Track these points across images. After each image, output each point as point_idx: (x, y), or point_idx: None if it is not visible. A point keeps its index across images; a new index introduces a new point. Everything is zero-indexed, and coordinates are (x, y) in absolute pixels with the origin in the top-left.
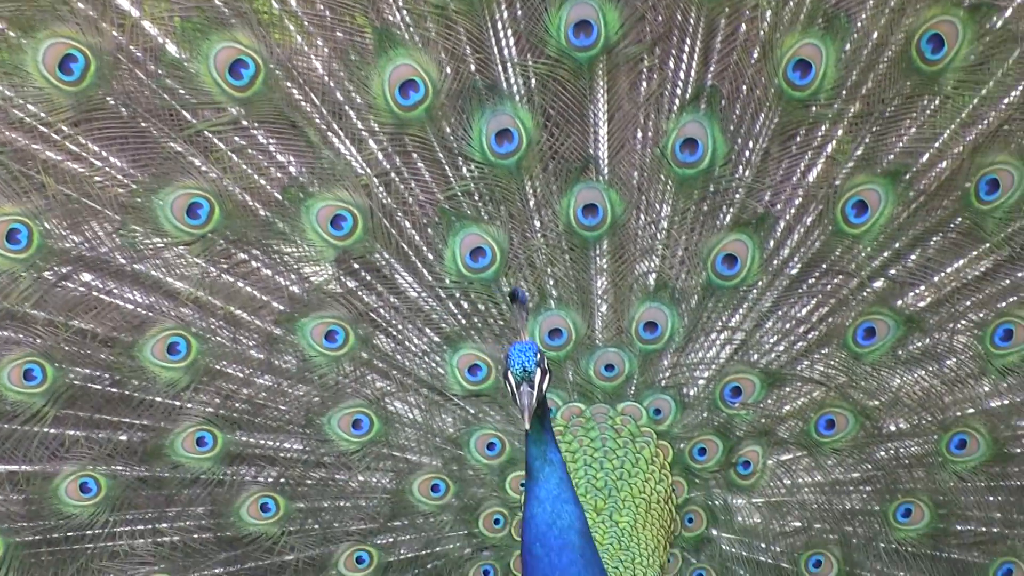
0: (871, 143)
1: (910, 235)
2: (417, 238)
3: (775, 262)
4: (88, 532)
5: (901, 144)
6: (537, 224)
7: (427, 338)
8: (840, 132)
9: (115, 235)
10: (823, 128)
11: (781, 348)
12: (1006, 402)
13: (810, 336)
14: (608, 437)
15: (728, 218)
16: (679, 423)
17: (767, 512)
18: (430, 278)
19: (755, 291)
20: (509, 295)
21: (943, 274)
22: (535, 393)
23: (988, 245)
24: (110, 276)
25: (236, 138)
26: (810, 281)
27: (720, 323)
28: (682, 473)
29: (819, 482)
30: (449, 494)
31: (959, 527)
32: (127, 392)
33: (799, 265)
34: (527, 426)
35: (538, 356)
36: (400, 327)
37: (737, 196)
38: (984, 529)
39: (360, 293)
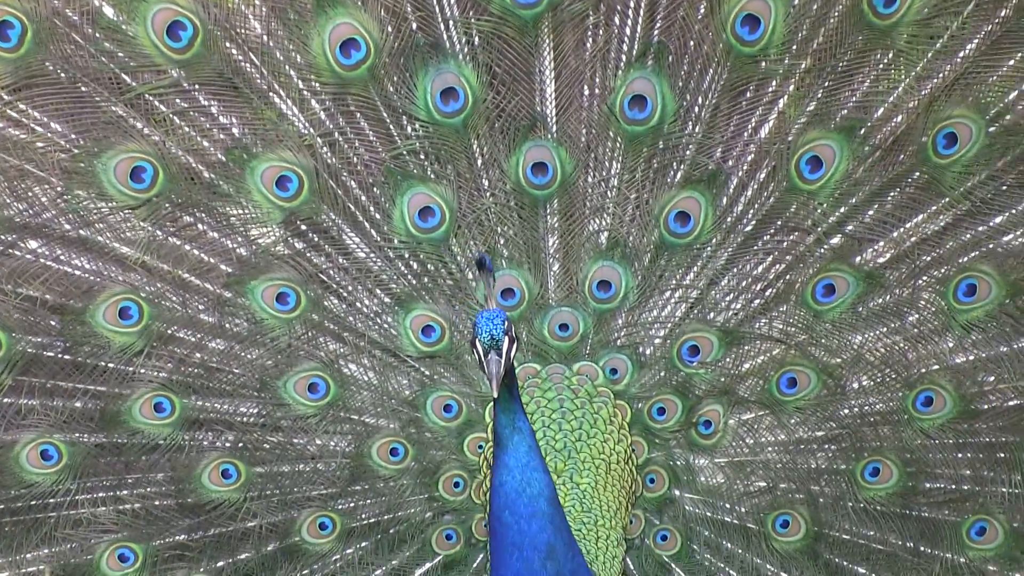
0: (824, 98)
1: (867, 191)
2: (364, 198)
3: (728, 219)
4: (51, 501)
5: (854, 99)
6: (486, 183)
7: (378, 299)
8: (792, 88)
9: (59, 201)
10: (773, 84)
11: (738, 306)
12: (971, 358)
13: (767, 293)
14: (565, 398)
15: (679, 175)
16: (636, 383)
17: (730, 472)
18: (378, 238)
19: (709, 248)
20: (476, 263)
21: (902, 229)
22: (503, 361)
23: (947, 200)
24: (56, 242)
25: (177, 101)
26: (765, 238)
27: (674, 281)
28: (642, 433)
29: (783, 441)
30: (408, 457)
31: (928, 485)
32: (80, 359)
33: (753, 222)
34: (495, 395)
35: (506, 324)
36: (350, 288)
37: (688, 153)
38: (954, 487)
39: (309, 254)
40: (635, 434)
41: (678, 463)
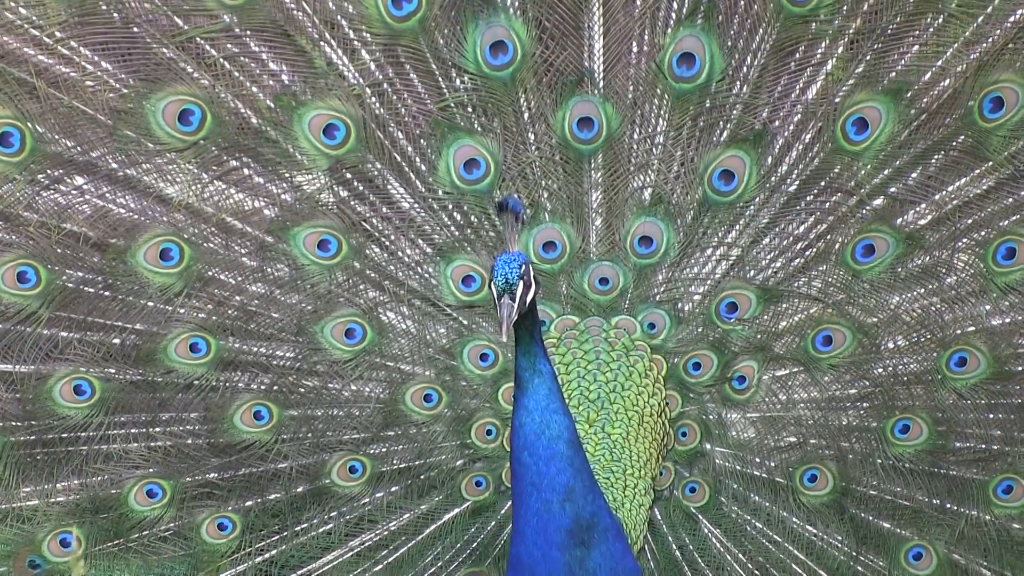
0: (872, 60)
1: (911, 153)
2: (410, 149)
3: (773, 179)
4: (82, 434)
5: (903, 62)
6: (532, 137)
7: (419, 249)
8: (840, 49)
9: (107, 140)
10: (823, 45)
11: (778, 265)
12: (1007, 320)
13: (807, 253)
14: (602, 350)
15: (725, 134)
16: (673, 338)
17: (762, 427)
18: (423, 189)
19: (752, 208)
20: (498, 204)
21: (944, 192)
22: (515, 305)
23: (991, 164)
24: (102, 180)
25: (229, 45)
26: (808, 198)
27: (716, 239)
28: (676, 387)
29: (815, 398)
30: (441, 404)
31: (958, 444)
32: (120, 296)
33: (797, 182)
34: (504, 338)
35: (522, 268)
36: (393, 237)
37: (734, 112)
38: (984, 446)
39: (353, 203)
40: (670, 388)
41: (711, 417)
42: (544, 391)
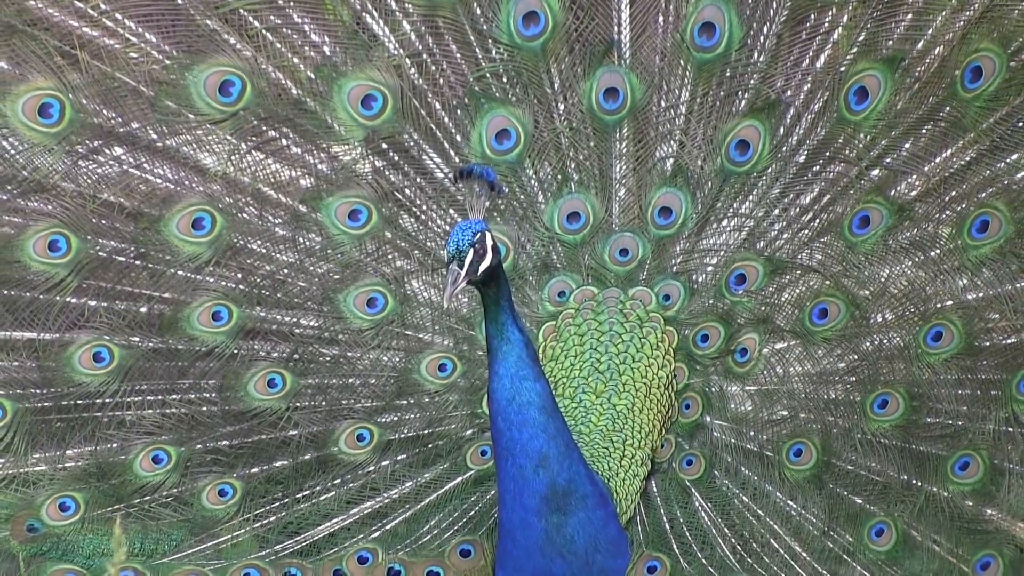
0: (872, 28)
1: (905, 124)
2: (446, 119)
3: (784, 149)
4: (97, 401)
5: (899, 30)
6: (561, 108)
7: (451, 219)
8: (845, 18)
9: (148, 111)
10: (831, 13)
11: (786, 236)
12: (981, 295)
13: (814, 224)
14: (616, 321)
15: (743, 104)
16: (686, 309)
17: (758, 400)
18: (457, 159)
19: (765, 178)
20: (459, 171)
21: (932, 164)
22: (462, 273)
23: (972, 135)
24: (141, 151)
25: (271, 17)
26: (815, 169)
27: (731, 210)
28: (684, 359)
29: (808, 372)
30: (455, 373)
31: (928, 420)
32: (150, 265)
33: (806, 152)
34: (446, 304)
35: (476, 236)
36: (424, 207)
37: (751, 81)
38: (951, 422)
39: (387, 173)
40: (678, 359)
41: (713, 390)
42: (513, 358)
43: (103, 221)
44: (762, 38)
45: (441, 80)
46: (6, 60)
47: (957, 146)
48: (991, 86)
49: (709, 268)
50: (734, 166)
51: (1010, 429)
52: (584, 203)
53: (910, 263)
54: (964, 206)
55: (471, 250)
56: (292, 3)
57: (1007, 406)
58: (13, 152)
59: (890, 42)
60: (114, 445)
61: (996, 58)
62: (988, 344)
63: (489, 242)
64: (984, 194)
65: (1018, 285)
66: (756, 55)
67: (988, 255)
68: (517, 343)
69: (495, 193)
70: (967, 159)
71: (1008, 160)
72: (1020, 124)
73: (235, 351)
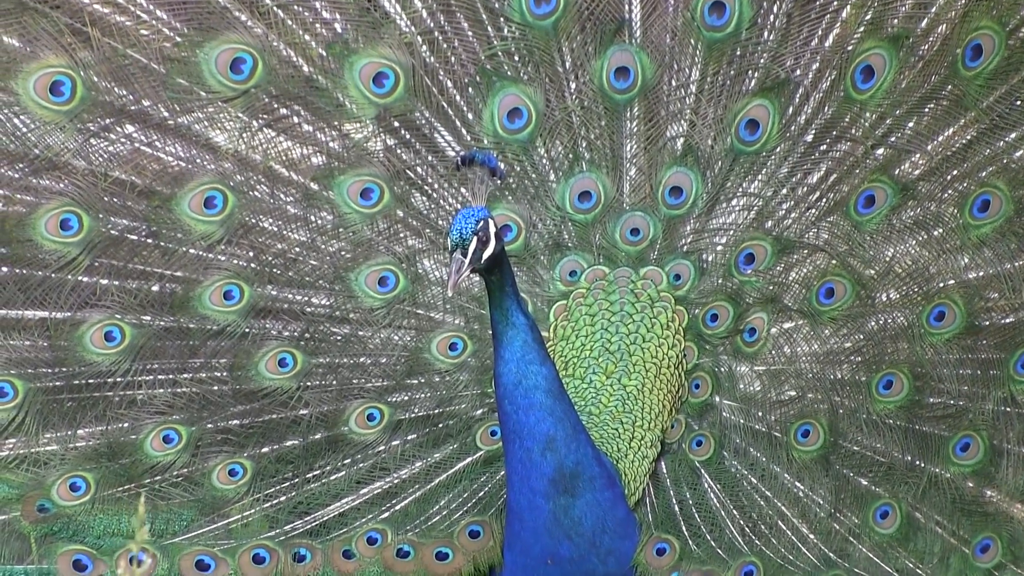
0: (879, 7)
1: (909, 103)
2: (458, 97)
3: (792, 128)
4: (108, 380)
5: (905, 8)
6: (573, 86)
7: (462, 197)
8: None
9: (159, 88)
10: None
11: (794, 216)
12: (982, 275)
13: (821, 203)
14: (627, 301)
15: (753, 83)
16: (696, 289)
17: (767, 380)
18: (468, 138)
19: (774, 158)
20: (462, 159)
21: (935, 142)
22: (465, 261)
23: (973, 114)
24: (152, 129)
25: None
26: (822, 148)
27: (740, 189)
28: (694, 339)
29: (815, 352)
30: (466, 352)
31: (931, 400)
32: (162, 243)
33: (813, 132)
34: (450, 292)
35: (479, 224)
36: (436, 186)
37: (762, 61)
38: (952, 403)
39: (399, 151)
40: (688, 339)
41: (722, 369)
42: (519, 342)
43: (115, 199)
44: (772, 17)
45: (453, 58)
46: (17, 38)
47: (959, 124)
48: (991, 64)
49: (719, 248)
50: (744, 145)
51: (1008, 409)
52: (595, 182)
53: (914, 242)
54: (966, 185)
55: (474, 238)
56: None
57: (1005, 386)
58: (25, 130)
59: (895, 20)
60: (125, 425)
61: (995, 36)
62: (988, 323)
63: (492, 229)
64: (985, 173)
65: (1017, 264)
66: (766, 34)
67: (989, 234)
68: (522, 327)
69: (497, 179)
70: (968, 138)
71: (1007, 139)
72: (1019, 103)
73: (246, 330)
